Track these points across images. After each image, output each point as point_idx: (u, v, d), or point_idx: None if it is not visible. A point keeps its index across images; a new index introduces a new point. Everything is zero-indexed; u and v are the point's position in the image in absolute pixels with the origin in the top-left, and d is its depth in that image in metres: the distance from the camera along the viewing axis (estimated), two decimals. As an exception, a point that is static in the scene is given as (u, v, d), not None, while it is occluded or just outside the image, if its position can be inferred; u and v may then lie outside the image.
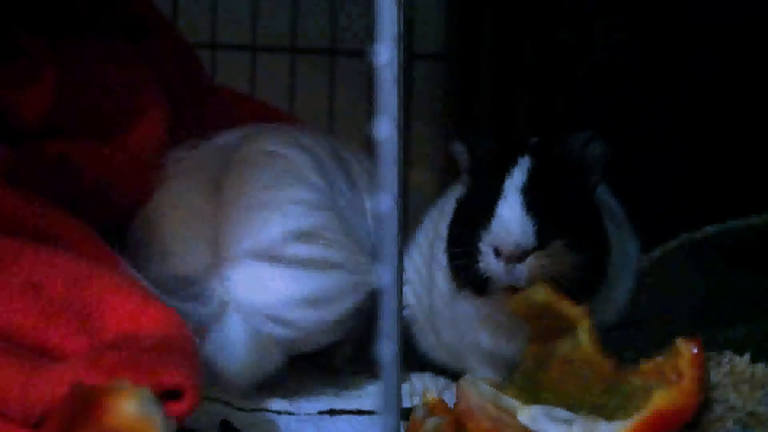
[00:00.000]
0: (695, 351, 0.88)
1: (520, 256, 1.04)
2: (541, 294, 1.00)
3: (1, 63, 1.16)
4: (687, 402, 0.85)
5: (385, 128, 0.56)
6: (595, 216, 1.13)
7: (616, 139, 1.15)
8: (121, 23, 1.32)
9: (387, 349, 0.61)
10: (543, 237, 1.05)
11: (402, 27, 0.89)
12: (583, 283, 1.08)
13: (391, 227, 0.58)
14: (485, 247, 1.06)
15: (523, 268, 1.04)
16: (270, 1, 1.74)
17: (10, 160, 1.12)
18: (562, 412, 0.89)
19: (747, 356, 0.88)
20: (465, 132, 1.22)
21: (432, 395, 0.92)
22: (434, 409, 0.90)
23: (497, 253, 1.05)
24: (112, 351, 0.89)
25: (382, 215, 0.57)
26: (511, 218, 1.05)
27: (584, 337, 0.96)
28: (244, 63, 1.73)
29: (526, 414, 0.88)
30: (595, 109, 1.53)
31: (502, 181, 1.08)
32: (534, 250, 1.05)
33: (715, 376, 0.88)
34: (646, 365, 0.91)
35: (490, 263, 1.06)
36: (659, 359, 0.90)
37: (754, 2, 1.40)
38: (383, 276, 0.60)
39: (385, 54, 0.58)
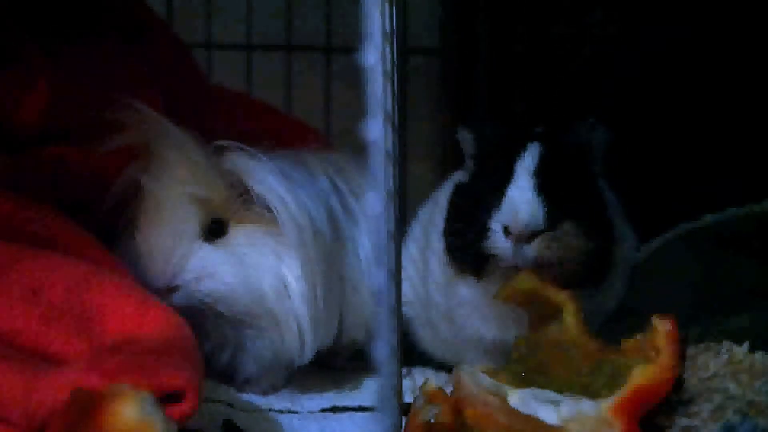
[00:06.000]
0: (670, 327, 0.90)
1: (529, 236, 1.06)
2: (526, 281, 1.02)
3: (-4, 70, 1.16)
4: (665, 376, 0.87)
5: (376, 129, 0.56)
6: (601, 204, 1.15)
7: (613, 131, 1.16)
8: (117, 25, 1.32)
9: (382, 348, 0.61)
10: (552, 220, 1.07)
11: (395, 22, 0.89)
12: (589, 269, 1.10)
13: (384, 228, 0.58)
14: (495, 225, 1.07)
15: (531, 249, 1.06)
16: (264, -1, 1.74)
17: (7, 166, 1.12)
18: (549, 394, 0.90)
19: (746, 345, 0.88)
20: (471, 118, 1.23)
21: (431, 384, 0.93)
22: (433, 397, 0.91)
23: (506, 232, 1.06)
24: (112, 354, 0.89)
25: (374, 216, 0.57)
26: (522, 199, 1.07)
27: (570, 320, 0.98)
28: (239, 62, 1.73)
29: (516, 397, 0.89)
30: (591, 101, 1.53)
31: (512, 165, 1.09)
32: (543, 231, 1.06)
33: (714, 365, 0.88)
34: (627, 344, 0.94)
35: (498, 242, 1.07)
36: (638, 337, 0.93)
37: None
38: (377, 277, 0.60)
39: (373, 55, 0.58)
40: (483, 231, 1.08)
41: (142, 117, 1.12)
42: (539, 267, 1.05)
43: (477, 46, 1.70)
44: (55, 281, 0.96)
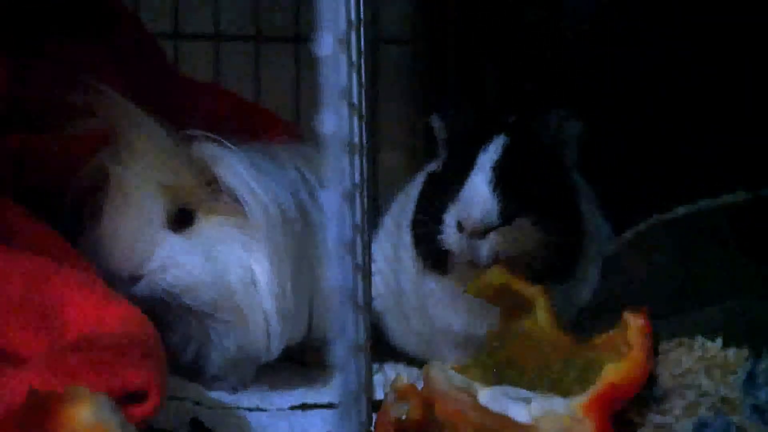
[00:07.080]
0: (642, 322, 0.89)
1: (482, 231, 1.03)
2: (497, 275, 1.00)
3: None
4: (637, 371, 0.86)
5: (331, 122, 0.54)
6: (569, 196, 1.13)
7: (587, 120, 1.14)
8: (83, 14, 1.29)
9: (341, 347, 0.59)
10: (508, 214, 1.04)
11: (363, 12, 0.87)
12: (553, 263, 1.08)
13: (340, 225, 0.56)
14: (449, 220, 1.06)
15: (485, 245, 1.04)
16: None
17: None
18: (520, 391, 0.89)
19: (719, 341, 0.87)
20: (443, 106, 1.21)
21: (402, 380, 0.91)
22: (404, 394, 0.90)
23: (460, 227, 1.04)
24: (73, 352, 0.86)
25: (330, 213, 0.55)
26: (476, 193, 1.05)
27: (541, 314, 0.97)
28: (207, 53, 1.70)
29: (486, 395, 0.88)
30: (564, 90, 1.52)
31: (475, 156, 1.07)
32: (497, 227, 1.04)
33: (687, 361, 0.87)
34: (599, 338, 0.92)
35: (451, 237, 1.06)
36: (611, 332, 0.91)
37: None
38: (331, 275, 0.58)
39: (328, 44, 0.55)
40: (441, 225, 1.07)
41: (110, 102, 1.10)
42: (495, 262, 1.03)
43: (449, 35, 1.69)
44: (13, 276, 0.93)
